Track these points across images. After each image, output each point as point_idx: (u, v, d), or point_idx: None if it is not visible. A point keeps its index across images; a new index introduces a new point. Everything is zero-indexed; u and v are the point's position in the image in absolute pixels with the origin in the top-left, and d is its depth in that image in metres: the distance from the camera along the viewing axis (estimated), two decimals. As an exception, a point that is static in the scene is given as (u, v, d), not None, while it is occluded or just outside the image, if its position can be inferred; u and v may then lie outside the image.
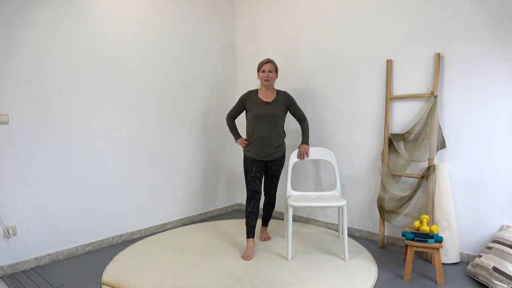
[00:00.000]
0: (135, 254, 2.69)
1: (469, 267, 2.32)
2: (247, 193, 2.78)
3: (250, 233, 2.73)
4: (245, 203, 4.07)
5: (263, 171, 2.86)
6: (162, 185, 3.32)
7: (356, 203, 3.12)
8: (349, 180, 3.15)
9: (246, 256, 2.60)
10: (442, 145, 2.57)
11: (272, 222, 3.52)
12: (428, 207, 2.58)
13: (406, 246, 2.55)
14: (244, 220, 3.58)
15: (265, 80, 2.78)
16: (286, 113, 2.92)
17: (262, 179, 2.84)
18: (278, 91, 2.89)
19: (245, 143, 2.85)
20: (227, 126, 3.79)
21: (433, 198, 2.57)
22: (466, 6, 2.44)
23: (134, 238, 3.10)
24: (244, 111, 2.95)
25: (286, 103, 2.86)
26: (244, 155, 2.86)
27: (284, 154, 2.91)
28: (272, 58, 3.66)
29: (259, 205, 2.79)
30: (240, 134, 3.28)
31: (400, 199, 2.73)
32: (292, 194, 2.88)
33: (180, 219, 3.49)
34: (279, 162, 2.88)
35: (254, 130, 2.79)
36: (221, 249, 2.78)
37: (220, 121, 3.86)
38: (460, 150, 2.53)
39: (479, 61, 2.42)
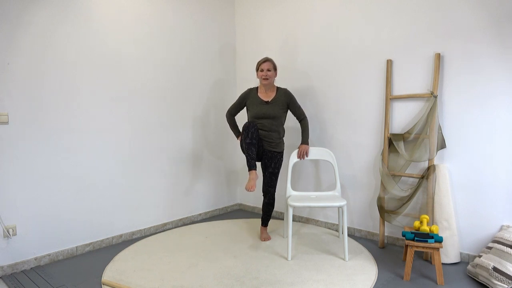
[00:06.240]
0: (135, 254, 2.69)
1: (469, 267, 2.32)
2: (243, 127, 2.70)
3: (252, 165, 2.66)
4: (243, 201, 4.08)
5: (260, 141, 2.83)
6: (162, 185, 3.31)
7: (356, 203, 3.12)
8: (349, 180, 3.15)
9: (250, 187, 2.55)
10: (442, 145, 2.57)
11: (272, 222, 3.52)
12: (428, 207, 2.58)
13: (406, 246, 2.55)
14: (243, 220, 3.58)
15: (264, 79, 2.78)
16: (287, 111, 2.91)
17: (258, 130, 2.77)
18: (278, 89, 2.88)
19: None
20: (227, 123, 3.78)
21: (433, 198, 2.57)
22: (466, 6, 2.44)
23: (134, 238, 3.10)
24: (245, 108, 2.97)
25: (286, 101, 2.86)
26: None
27: (282, 152, 2.91)
28: (272, 57, 3.66)
29: (257, 136, 2.71)
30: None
31: (400, 199, 2.73)
32: (292, 194, 2.87)
33: (180, 219, 3.49)
34: (278, 159, 2.88)
35: None
36: (221, 249, 2.78)
37: (221, 121, 3.86)
38: (460, 150, 2.53)
39: (479, 61, 2.42)
